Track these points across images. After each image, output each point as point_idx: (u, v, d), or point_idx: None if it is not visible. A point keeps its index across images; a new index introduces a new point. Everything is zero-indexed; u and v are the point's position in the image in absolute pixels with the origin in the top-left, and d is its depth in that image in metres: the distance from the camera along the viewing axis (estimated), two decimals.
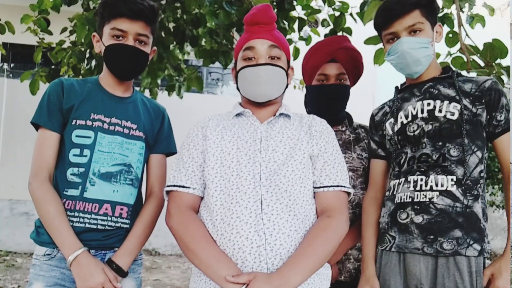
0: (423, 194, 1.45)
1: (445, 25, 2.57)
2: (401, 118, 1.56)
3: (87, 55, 3.28)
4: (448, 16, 2.61)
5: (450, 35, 2.29)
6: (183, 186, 1.33)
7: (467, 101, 1.46)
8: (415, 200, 1.46)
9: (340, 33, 3.17)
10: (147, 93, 3.96)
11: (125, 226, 1.49)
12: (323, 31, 3.38)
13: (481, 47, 2.01)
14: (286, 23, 3.44)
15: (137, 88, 1.80)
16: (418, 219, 1.44)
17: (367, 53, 2.12)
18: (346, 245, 1.66)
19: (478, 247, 1.38)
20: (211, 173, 1.31)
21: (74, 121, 1.46)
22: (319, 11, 3.28)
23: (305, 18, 3.40)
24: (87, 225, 1.41)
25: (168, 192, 1.37)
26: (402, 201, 1.49)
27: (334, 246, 1.26)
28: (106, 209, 1.44)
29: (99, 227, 1.43)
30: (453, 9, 2.48)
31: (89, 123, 1.46)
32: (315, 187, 1.34)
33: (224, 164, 1.31)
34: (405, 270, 1.47)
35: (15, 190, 6.87)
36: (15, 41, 7.04)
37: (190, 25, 3.37)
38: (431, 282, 1.41)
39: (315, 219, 1.32)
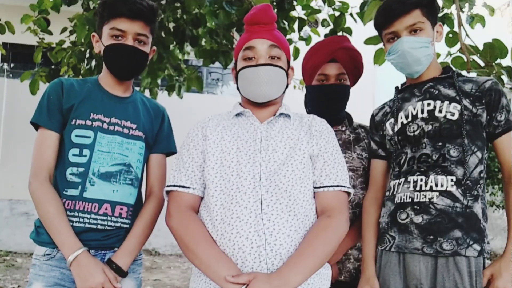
0: (423, 194, 1.45)
1: (445, 25, 2.57)
2: (401, 118, 1.56)
3: (87, 55, 3.28)
4: (448, 16, 2.61)
5: (450, 35, 2.29)
6: (183, 186, 1.33)
7: (467, 101, 1.46)
8: (415, 200, 1.46)
9: (340, 33, 3.17)
10: (147, 93, 3.96)
11: (125, 226, 1.49)
12: (323, 31, 3.38)
13: (481, 47, 2.01)
14: (286, 23, 3.44)
15: (137, 88, 1.80)
16: (418, 219, 1.44)
17: (367, 53, 2.12)
18: (346, 245, 1.66)
19: (478, 247, 1.38)
20: (211, 173, 1.31)
21: (74, 121, 1.46)
22: (319, 11, 3.28)
23: (305, 18, 3.39)
24: (87, 225, 1.41)
25: (168, 192, 1.37)
26: (402, 201, 1.49)
27: (334, 246, 1.26)
28: (106, 209, 1.44)
29: (99, 227, 1.43)
30: (453, 9, 2.48)
31: (88, 123, 1.46)
32: (315, 187, 1.34)
33: (224, 164, 1.31)
34: (404, 270, 1.47)
35: (15, 190, 6.87)
36: (15, 41, 7.04)
37: (190, 25, 3.37)
38: (430, 282, 1.41)
39: (315, 219, 1.32)
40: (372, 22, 1.68)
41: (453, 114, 1.45)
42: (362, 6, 2.73)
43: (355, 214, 1.71)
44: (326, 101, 1.76)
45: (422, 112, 1.51)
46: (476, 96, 1.46)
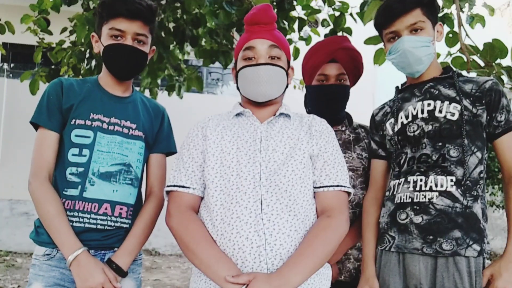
0: (422, 195, 1.44)
1: (445, 25, 2.57)
2: (401, 118, 1.56)
3: (87, 55, 3.28)
4: (448, 16, 2.61)
5: (450, 35, 2.29)
6: (183, 186, 1.33)
7: (467, 101, 1.46)
8: (415, 200, 1.46)
9: (340, 33, 3.17)
10: (147, 93, 3.96)
11: (124, 226, 1.49)
12: (323, 31, 3.38)
13: (481, 47, 2.01)
14: (286, 23, 3.43)
15: (137, 88, 1.80)
16: (418, 219, 1.44)
17: (367, 53, 2.12)
18: (346, 245, 1.66)
19: (478, 248, 1.38)
20: (211, 173, 1.31)
21: (74, 120, 1.46)
22: (319, 11, 3.28)
23: (305, 18, 3.39)
24: (86, 225, 1.41)
25: (168, 192, 1.37)
26: (402, 201, 1.49)
27: (334, 246, 1.26)
28: (106, 208, 1.44)
29: (99, 226, 1.43)
30: (453, 9, 2.48)
31: (88, 122, 1.46)
32: (315, 187, 1.34)
33: (224, 164, 1.31)
34: (404, 270, 1.47)
35: (15, 190, 6.88)
36: (15, 41, 7.04)
37: (190, 25, 3.37)
38: (430, 282, 1.41)
39: (315, 219, 1.32)
40: (372, 22, 1.68)
41: (453, 115, 1.45)
42: (362, 6, 2.73)
43: (355, 214, 1.71)
44: (326, 101, 1.76)
45: (422, 112, 1.51)
46: (476, 96, 1.46)
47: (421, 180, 1.46)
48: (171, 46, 3.64)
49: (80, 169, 1.43)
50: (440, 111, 1.47)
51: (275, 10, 3.22)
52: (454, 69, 1.60)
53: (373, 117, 1.71)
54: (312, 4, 3.42)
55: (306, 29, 3.56)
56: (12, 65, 8.05)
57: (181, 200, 1.32)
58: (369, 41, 2.36)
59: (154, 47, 1.64)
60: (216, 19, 3.04)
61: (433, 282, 1.40)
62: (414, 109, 1.53)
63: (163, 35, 3.36)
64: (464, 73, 1.68)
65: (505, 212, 1.45)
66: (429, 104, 1.50)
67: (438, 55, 1.68)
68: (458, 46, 2.16)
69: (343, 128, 1.81)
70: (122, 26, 1.46)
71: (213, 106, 6.70)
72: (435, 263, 1.41)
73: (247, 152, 1.31)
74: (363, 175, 1.75)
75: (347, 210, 1.34)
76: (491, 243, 5.29)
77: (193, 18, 3.32)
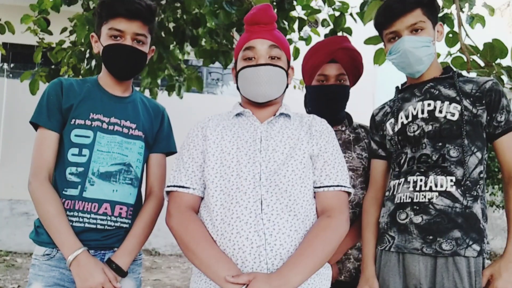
0: (422, 195, 1.44)
1: (445, 25, 2.57)
2: (401, 118, 1.56)
3: (87, 55, 3.28)
4: (448, 16, 2.61)
5: (450, 35, 2.30)
6: (183, 187, 1.33)
7: (467, 102, 1.46)
8: (415, 200, 1.46)
9: (340, 33, 3.17)
10: (147, 93, 3.96)
11: (124, 225, 1.49)
12: (323, 31, 3.38)
13: (481, 47, 2.01)
14: (286, 23, 3.43)
15: (137, 88, 1.80)
16: (418, 219, 1.44)
17: (367, 53, 2.12)
18: (346, 244, 1.66)
19: (478, 248, 1.38)
20: (211, 173, 1.31)
21: (73, 120, 1.46)
22: (319, 11, 3.28)
23: (305, 18, 3.39)
24: (86, 225, 1.41)
25: (168, 193, 1.36)
26: (402, 201, 1.49)
27: (334, 246, 1.26)
28: (106, 208, 1.44)
29: (99, 226, 1.43)
30: (453, 9, 2.48)
31: (88, 122, 1.46)
32: (315, 187, 1.34)
33: (224, 164, 1.31)
34: (404, 270, 1.47)
35: (15, 190, 6.88)
36: (15, 41, 7.04)
37: (190, 25, 3.37)
38: (430, 282, 1.41)
39: (315, 219, 1.32)
40: (372, 22, 1.67)
41: (453, 115, 1.45)
42: (362, 6, 2.73)
43: (355, 214, 1.71)
44: (326, 102, 1.76)
45: (422, 112, 1.51)
46: (477, 96, 1.46)
47: (421, 180, 1.46)
48: (171, 46, 3.64)
49: (80, 169, 1.43)
50: (440, 111, 1.47)
51: (275, 10, 3.22)
52: (454, 69, 1.60)
53: (373, 117, 1.71)
54: (312, 4, 3.42)
55: (306, 29, 3.56)
56: (12, 65, 8.05)
57: (181, 200, 1.32)
58: (369, 41, 2.36)
59: (153, 47, 1.64)
60: (216, 19, 3.04)
61: (432, 282, 1.40)
62: (414, 109, 1.53)
63: (163, 35, 3.36)
64: (464, 73, 1.68)
65: (505, 212, 1.45)
66: (429, 104, 1.50)
67: (438, 55, 1.68)
68: (458, 46, 2.16)
69: (343, 128, 1.81)
70: (121, 26, 1.46)
71: (213, 106, 6.70)
72: (435, 263, 1.41)
73: (247, 152, 1.31)
74: (363, 175, 1.75)
75: (347, 210, 1.34)
76: (491, 243, 5.29)
77: (193, 18, 3.32)
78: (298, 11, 3.41)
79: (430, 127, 1.48)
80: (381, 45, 2.19)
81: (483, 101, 1.45)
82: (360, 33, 2.75)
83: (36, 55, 3.48)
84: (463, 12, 2.36)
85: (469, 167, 1.43)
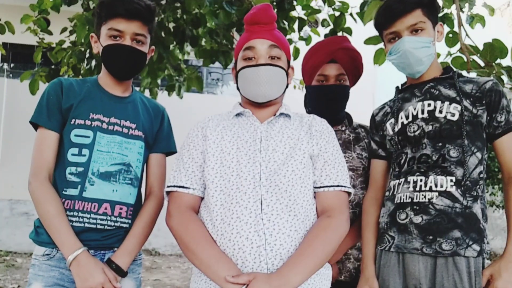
0: (422, 195, 1.44)
1: (445, 25, 2.57)
2: (401, 118, 1.56)
3: (87, 55, 3.28)
4: (448, 16, 2.61)
5: (450, 35, 2.30)
6: (183, 187, 1.33)
7: (467, 102, 1.46)
8: (415, 200, 1.46)
9: (340, 33, 3.17)
10: (147, 93, 3.96)
11: (124, 225, 1.49)
12: (323, 31, 3.38)
13: (481, 47, 2.01)
14: (286, 23, 3.43)
15: (137, 88, 1.80)
16: (417, 219, 1.44)
17: (367, 53, 2.12)
18: (346, 244, 1.66)
19: (477, 248, 1.38)
20: (211, 173, 1.31)
21: (73, 120, 1.46)
22: (319, 11, 3.28)
23: (305, 18, 3.39)
24: (86, 225, 1.41)
25: (168, 193, 1.36)
26: (402, 201, 1.49)
27: (335, 246, 1.26)
28: (106, 208, 1.44)
29: (99, 226, 1.43)
30: (453, 9, 2.48)
31: (88, 122, 1.46)
32: (316, 187, 1.34)
33: (224, 164, 1.31)
34: (404, 270, 1.47)
35: (15, 190, 6.87)
36: (15, 41, 7.04)
37: (190, 25, 3.37)
38: (430, 282, 1.41)
39: (316, 219, 1.32)
40: (372, 22, 1.67)
41: (453, 115, 1.45)
42: (362, 6, 2.73)
43: (355, 214, 1.71)
44: (326, 102, 1.76)
45: (423, 112, 1.51)
46: (477, 96, 1.46)
47: (421, 180, 1.46)
48: (171, 46, 3.64)
49: (80, 169, 1.43)
50: (441, 112, 1.47)
51: (275, 10, 3.22)
52: (454, 69, 1.60)
53: (373, 117, 1.71)
54: (312, 4, 3.42)
55: (306, 29, 3.56)
56: (12, 65, 8.05)
57: (181, 201, 1.32)
58: (369, 41, 2.36)
59: (153, 47, 1.64)
60: (216, 19, 3.04)
61: (432, 282, 1.40)
62: (414, 109, 1.53)
63: (163, 35, 3.36)
64: (464, 73, 1.68)
65: (505, 212, 1.45)
66: (429, 105, 1.50)
67: (438, 55, 1.68)
68: (458, 46, 2.16)
69: (343, 128, 1.81)
70: (121, 26, 1.46)
71: (213, 106, 6.70)
72: (435, 263, 1.41)
73: (247, 152, 1.31)
74: (363, 175, 1.75)
75: (347, 210, 1.34)
76: (491, 243, 5.29)
77: (193, 18, 3.32)
78: (298, 11, 3.41)
79: (430, 127, 1.48)
80: (381, 45, 2.19)
81: (483, 101, 1.45)
82: (360, 33, 2.75)
83: (36, 55, 3.48)
84: (463, 12, 2.36)
85: (469, 167, 1.43)
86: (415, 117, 1.52)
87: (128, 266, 1.45)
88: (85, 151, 1.45)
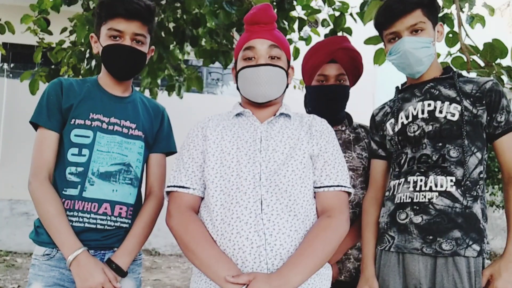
0: (422, 195, 1.44)
1: (445, 25, 2.57)
2: (401, 118, 1.56)
3: (87, 55, 3.28)
4: (448, 16, 2.61)
5: (450, 35, 2.29)
6: (183, 187, 1.33)
7: (467, 102, 1.46)
8: (415, 200, 1.46)
9: (340, 33, 3.17)
10: (147, 93, 3.96)
11: (124, 225, 1.49)
12: (323, 31, 3.38)
13: (481, 47, 2.01)
14: (286, 23, 3.43)
15: (137, 88, 1.80)
16: (417, 219, 1.44)
17: (367, 53, 2.12)
18: (346, 244, 1.66)
19: (477, 248, 1.38)
20: (211, 173, 1.31)
21: (73, 120, 1.46)
22: (319, 11, 3.28)
23: (305, 18, 3.39)
24: (86, 225, 1.41)
25: (168, 193, 1.36)
26: (402, 201, 1.49)
27: (335, 246, 1.26)
28: (106, 208, 1.44)
29: (98, 226, 1.43)
30: (453, 9, 2.48)
31: (88, 122, 1.46)
32: (316, 187, 1.34)
33: (224, 164, 1.31)
34: (404, 270, 1.47)
35: (15, 190, 6.87)
36: (15, 41, 7.04)
37: (190, 25, 3.37)
38: (430, 282, 1.41)
39: (316, 219, 1.32)
40: (372, 22, 1.67)
41: (453, 115, 1.45)
42: (362, 6, 2.73)
43: (355, 214, 1.71)
44: (326, 102, 1.76)
45: (423, 112, 1.51)
46: (477, 97, 1.46)
47: (421, 180, 1.46)
48: (171, 46, 3.64)
49: (80, 169, 1.43)
50: (441, 112, 1.47)
51: (275, 10, 3.22)
52: (454, 69, 1.60)
53: (373, 117, 1.71)
54: (312, 4, 3.42)
55: (306, 29, 3.56)
56: (12, 65, 8.05)
57: (181, 201, 1.32)
58: (369, 41, 2.36)
59: (153, 47, 1.64)
60: (216, 19, 3.04)
61: (432, 282, 1.40)
62: (415, 109, 1.53)
63: (163, 35, 3.36)
64: (464, 73, 1.68)
65: (505, 212, 1.45)
66: (429, 105, 1.50)
67: (438, 55, 1.68)
68: (458, 46, 2.16)
69: (343, 128, 1.81)
70: (121, 26, 1.46)
71: (213, 106, 6.70)
72: (435, 263, 1.41)
73: (247, 152, 1.31)
74: (363, 175, 1.75)
75: (347, 210, 1.34)
76: (491, 243, 5.29)
77: (193, 18, 3.32)
78: (298, 11, 3.41)
79: (430, 127, 1.48)
80: (381, 45, 2.19)
81: (483, 102, 1.45)
82: (360, 33, 2.75)
83: (36, 55, 3.48)
84: (463, 12, 2.36)
85: (469, 167, 1.43)
86: (415, 117, 1.52)
87: (128, 266, 1.45)
88: (85, 151, 1.45)
